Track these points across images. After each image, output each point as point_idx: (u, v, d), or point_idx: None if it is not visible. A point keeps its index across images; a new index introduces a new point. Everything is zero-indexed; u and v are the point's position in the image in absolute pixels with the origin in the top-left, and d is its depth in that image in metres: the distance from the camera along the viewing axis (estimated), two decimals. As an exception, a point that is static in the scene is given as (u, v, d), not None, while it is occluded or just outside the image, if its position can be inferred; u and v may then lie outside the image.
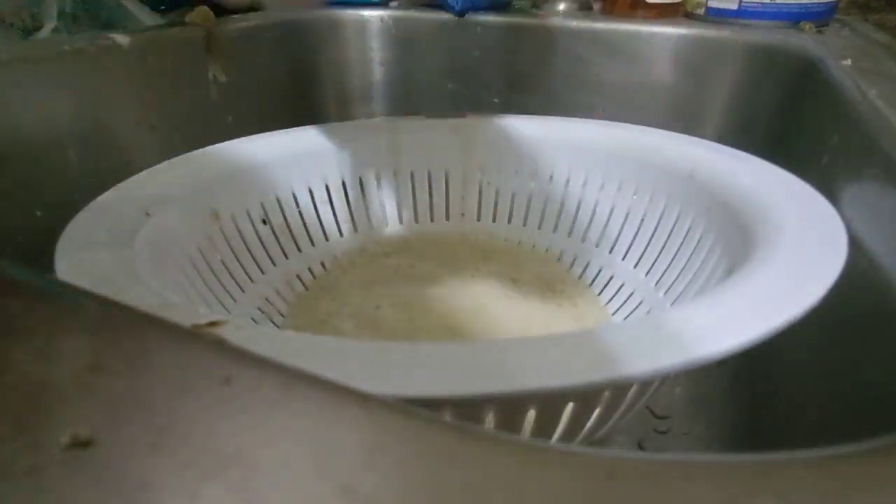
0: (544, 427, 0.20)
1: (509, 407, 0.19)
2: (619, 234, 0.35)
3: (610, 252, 0.35)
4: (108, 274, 0.20)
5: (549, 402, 0.19)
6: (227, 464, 0.10)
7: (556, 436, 0.21)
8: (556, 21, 0.54)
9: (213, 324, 0.17)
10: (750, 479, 0.10)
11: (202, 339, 0.13)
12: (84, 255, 0.22)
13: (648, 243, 0.33)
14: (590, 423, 0.21)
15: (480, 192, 0.39)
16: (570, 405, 0.20)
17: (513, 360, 0.16)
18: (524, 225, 0.39)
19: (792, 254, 0.21)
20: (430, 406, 0.18)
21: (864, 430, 0.24)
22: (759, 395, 0.36)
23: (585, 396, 0.19)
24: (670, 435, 0.37)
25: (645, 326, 0.18)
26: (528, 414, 0.19)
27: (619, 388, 0.20)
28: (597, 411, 0.21)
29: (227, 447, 0.10)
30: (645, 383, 0.21)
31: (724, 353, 0.17)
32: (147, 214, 0.25)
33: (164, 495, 0.09)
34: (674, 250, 0.31)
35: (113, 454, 0.10)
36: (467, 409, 0.18)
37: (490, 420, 0.19)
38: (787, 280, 0.19)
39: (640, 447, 0.36)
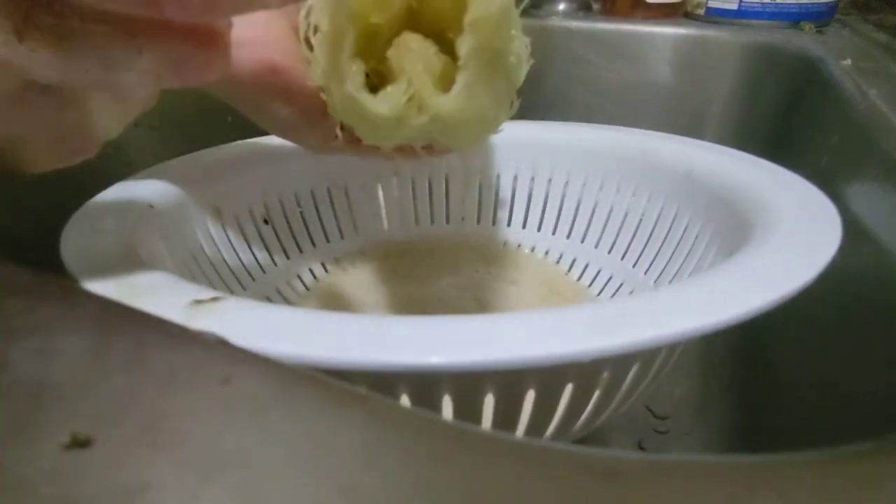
0: (543, 410, 0.20)
1: (509, 383, 0.19)
2: (617, 235, 0.35)
3: (609, 252, 0.35)
4: (113, 259, 0.20)
5: (547, 380, 0.19)
6: (227, 464, 0.10)
7: (554, 420, 0.21)
8: (555, 21, 0.54)
9: (215, 299, 0.17)
10: (750, 479, 0.10)
11: (202, 339, 0.13)
12: (90, 241, 0.22)
13: (647, 242, 0.33)
14: (590, 407, 0.21)
15: (480, 196, 0.39)
16: (570, 385, 0.20)
17: (508, 331, 0.16)
18: (524, 228, 0.39)
19: (786, 237, 0.21)
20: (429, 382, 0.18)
21: (864, 430, 0.24)
22: (759, 395, 0.36)
23: (585, 371, 0.19)
24: (670, 435, 0.37)
25: (635, 302, 0.18)
26: (528, 394, 0.19)
27: (619, 361, 0.20)
28: (596, 393, 0.21)
29: (227, 447, 0.10)
30: (643, 364, 0.21)
31: (718, 325, 0.16)
32: (150, 206, 0.26)
33: (163, 495, 0.09)
34: (672, 248, 0.31)
35: (112, 454, 0.10)
36: (466, 388, 0.18)
37: (489, 401, 0.19)
38: (781, 259, 0.19)
39: (641, 447, 0.36)
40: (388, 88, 0.19)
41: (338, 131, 0.21)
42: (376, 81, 0.19)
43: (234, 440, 0.10)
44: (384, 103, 0.18)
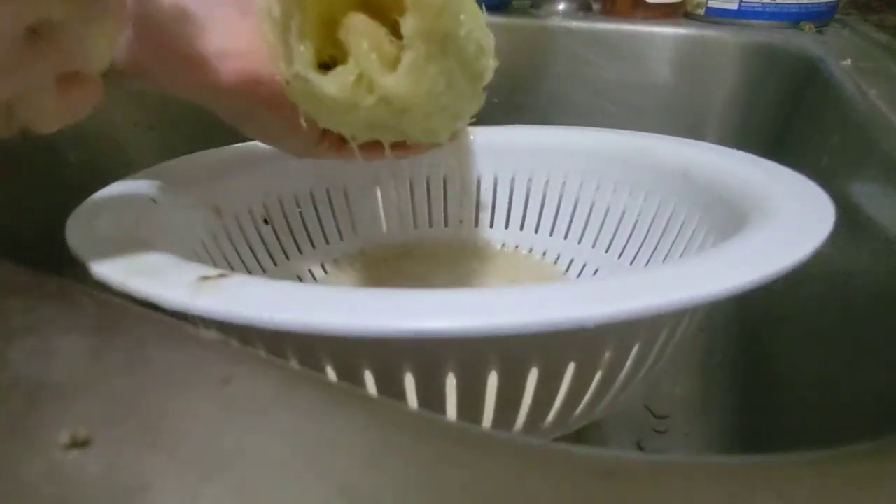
0: (546, 391, 0.20)
1: (512, 359, 0.19)
2: (614, 234, 0.35)
3: (606, 252, 0.35)
4: (119, 242, 0.20)
5: (551, 357, 0.19)
6: (227, 464, 0.10)
7: (556, 402, 0.21)
8: (555, 21, 0.54)
9: (222, 276, 0.17)
10: (750, 479, 0.10)
11: (202, 339, 0.13)
12: (95, 228, 0.22)
13: (643, 241, 0.33)
14: (591, 389, 0.21)
15: (478, 198, 0.39)
16: (572, 364, 0.20)
17: (511, 300, 0.16)
18: (521, 229, 0.39)
19: (781, 220, 0.21)
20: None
21: (864, 430, 0.24)
22: (759, 395, 0.36)
23: (587, 348, 0.20)
24: (670, 435, 0.37)
25: (635, 276, 0.18)
26: (532, 372, 0.19)
27: (620, 338, 0.20)
28: (598, 374, 0.21)
29: (226, 447, 0.10)
30: (644, 343, 0.21)
31: (718, 295, 0.16)
32: (153, 200, 0.26)
33: (163, 495, 0.09)
34: (668, 245, 0.31)
35: (112, 453, 0.10)
36: (469, 363, 0.18)
37: (493, 380, 0.19)
38: (778, 238, 0.20)
39: (640, 447, 0.36)
40: (338, 68, 0.19)
41: (301, 121, 0.22)
42: (332, 66, 0.20)
43: (234, 440, 0.10)
44: (332, 83, 0.19)
